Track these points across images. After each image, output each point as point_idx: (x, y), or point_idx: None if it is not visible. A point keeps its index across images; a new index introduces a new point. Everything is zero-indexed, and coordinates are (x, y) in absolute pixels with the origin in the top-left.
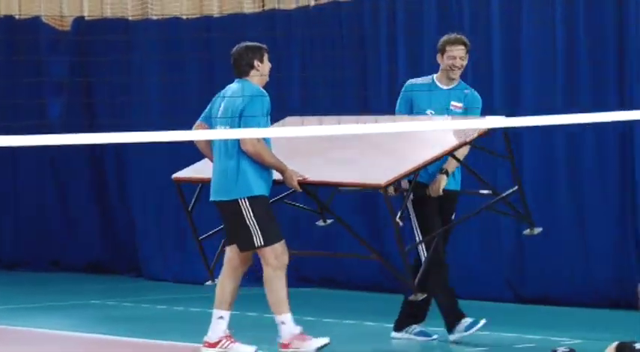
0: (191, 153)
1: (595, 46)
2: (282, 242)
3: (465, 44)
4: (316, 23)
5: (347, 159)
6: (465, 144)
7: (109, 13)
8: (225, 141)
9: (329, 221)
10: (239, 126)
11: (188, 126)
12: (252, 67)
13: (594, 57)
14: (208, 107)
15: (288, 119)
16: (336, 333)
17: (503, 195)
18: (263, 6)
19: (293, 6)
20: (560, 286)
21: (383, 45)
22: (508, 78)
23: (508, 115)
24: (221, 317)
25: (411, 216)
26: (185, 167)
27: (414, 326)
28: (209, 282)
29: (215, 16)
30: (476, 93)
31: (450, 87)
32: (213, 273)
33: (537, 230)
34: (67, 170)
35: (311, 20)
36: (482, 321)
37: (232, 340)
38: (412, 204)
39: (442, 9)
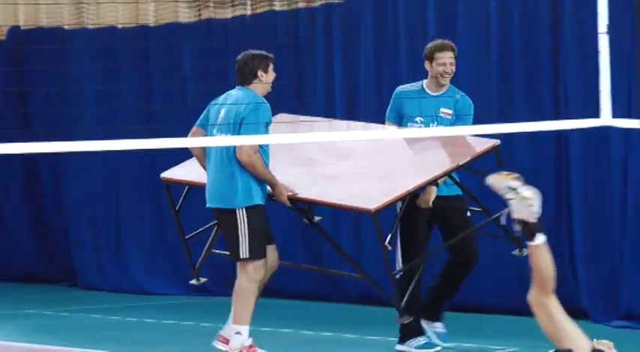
0: (130, 162)
1: (529, 54)
2: (265, 258)
3: (453, 50)
4: (253, 32)
5: (339, 175)
6: (459, 167)
7: (44, 22)
8: (227, 147)
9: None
10: (239, 134)
11: (125, 135)
12: (255, 76)
13: (529, 65)
14: (204, 113)
15: (280, 116)
16: (273, 342)
17: (495, 215)
18: (199, 15)
19: (229, 15)
20: (495, 294)
21: (319, 53)
22: None
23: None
24: (239, 333)
25: (397, 228)
26: (122, 178)
27: (419, 338)
28: (194, 281)
29: (151, 25)
30: (467, 98)
31: (440, 93)
32: (199, 273)
33: (526, 252)
34: (1, 180)
35: (247, 29)
36: (438, 348)
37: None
38: (400, 221)
39: (378, 17)
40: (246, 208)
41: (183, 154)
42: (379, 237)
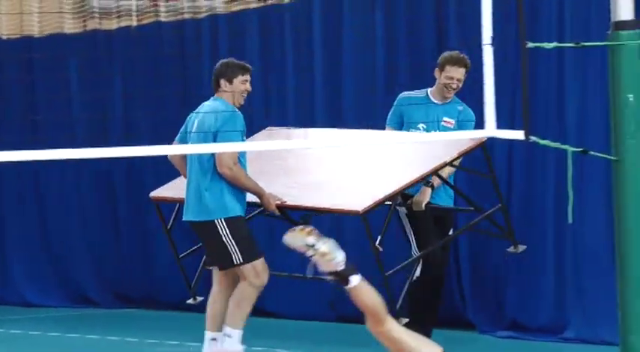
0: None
1: (415, 66)
2: (262, 259)
3: (466, 66)
4: (138, 43)
5: (324, 180)
6: (445, 165)
7: None
8: (200, 158)
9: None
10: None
11: (11, 146)
12: (218, 84)
13: (415, 77)
14: (184, 126)
15: (269, 130)
16: None
17: (487, 212)
18: (84, 26)
19: (115, 26)
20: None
21: (205, 64)
22: (330, 97)
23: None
24: (214, 339)
25: (407, 232)
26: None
27: None
28: (191, 301)
29: (36, 36)
30: (469, 110)
31: (444, 102)
32: (195, 291)
33: (521, 248)
34: None
35: (133, 40)
36: None
37: None
38: (408, 219)
39: (263, 29)
40: (225, 219)
41: (65, 166)
42: (369, 239)
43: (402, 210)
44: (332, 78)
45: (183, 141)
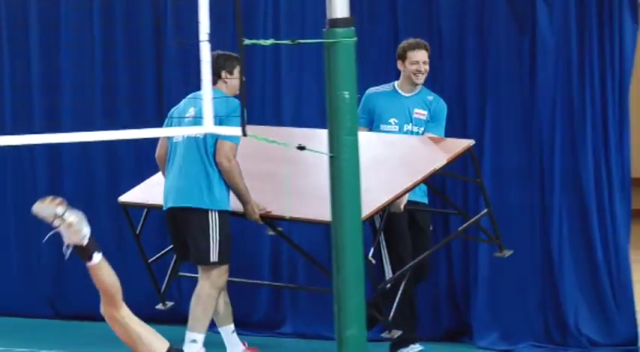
0: None
1: (133, 64)
2: (227, 265)
3: (426, 49)
4: None
5: (311, 189)
6: (435, 172)
7: None
8: (201, 144)
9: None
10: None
11: None
12: (219, 76)
13: (133, 76)
14: (168, 118)
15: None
16: None
17: (475, 218)
18: None
19: None
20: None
21: None
22: (47, 99)
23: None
24: (194, 341)
25: (379, 235)
26: None
27: (412, 346)
28: (160, 306)
29: None
30: (440, 99)
31: (412, 94)
32: (164, 297)
33: (508, 252)
34: None
35: None
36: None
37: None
38: (383, 232)
39: None
40: (218, 212)
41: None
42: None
43: (376, 217)
44: (49, 80)
45: (169, 139)
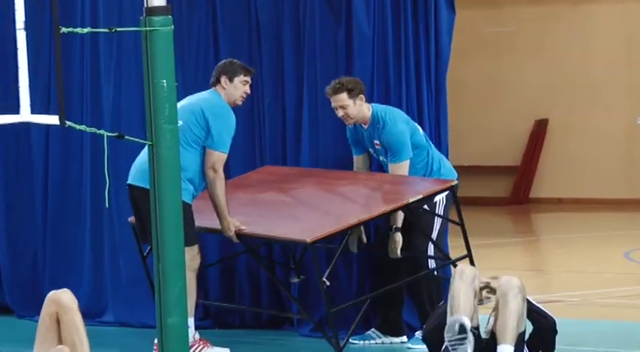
0: None
1: None
2: (197, 246)
3: (336, 91)
4: None
5: (295, 212)
6: (407, 205)
7: None
8: (185, 133)
9: (302, 277)
10: (205, 132)
11: None
12: (218, 80)
13: None
14: None
15: (267, 168)
16: None
17: (453, 260)
18: None
19: None
20: None
21: None
22: None
23: None
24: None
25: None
26: None
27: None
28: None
29: None
30: (388, 123)
31: (367, 126)
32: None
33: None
34: None
35: None
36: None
37: (207, 344)
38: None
39: None
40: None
41: None
42: (317, 270)
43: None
44: None
45: None
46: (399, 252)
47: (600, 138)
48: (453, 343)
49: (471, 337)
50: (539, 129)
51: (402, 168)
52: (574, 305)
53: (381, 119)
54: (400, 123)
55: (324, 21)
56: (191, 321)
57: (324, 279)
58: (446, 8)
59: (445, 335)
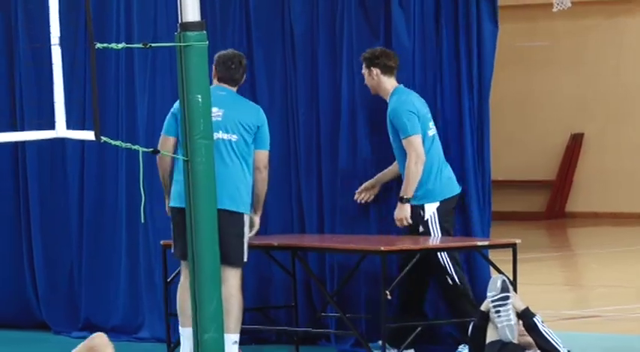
0: None
1: None
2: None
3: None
4: None
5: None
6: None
7: None
8: (237, 146)
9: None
10: (253, 142)
11: None
12: (243, 78)
13: None
14: (168, 121)
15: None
16: None
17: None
18: None
19: None
20: None
21: None
22: None
23: None
24: (235, 342)
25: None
26: None
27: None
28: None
29: None
30: (391, 101)
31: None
32: None
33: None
34: None
35: None
36: None
37: None
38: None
39: None
40: (247, 216)
41: None
42: (383, 283)
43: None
44: None
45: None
46: (405, 222)
47: (636, 152)
48: (495, 304)
49: (514, 296)
50: (575, 144)
51: (410, 142)
52: (610, 320)
53: (391, 98)
54: (402, 102)
55: (361, 33)
56: (236, 337)
57: (386, 292)
58: (489, 21)
59: (487, 295)
